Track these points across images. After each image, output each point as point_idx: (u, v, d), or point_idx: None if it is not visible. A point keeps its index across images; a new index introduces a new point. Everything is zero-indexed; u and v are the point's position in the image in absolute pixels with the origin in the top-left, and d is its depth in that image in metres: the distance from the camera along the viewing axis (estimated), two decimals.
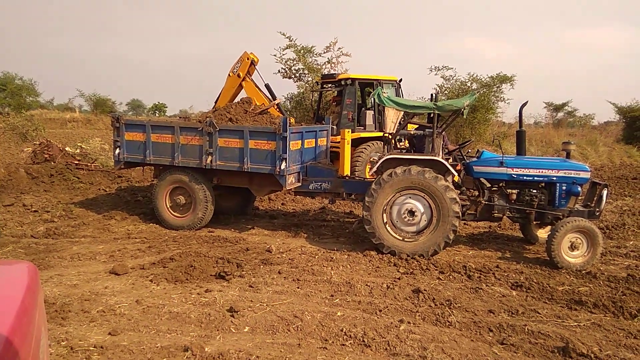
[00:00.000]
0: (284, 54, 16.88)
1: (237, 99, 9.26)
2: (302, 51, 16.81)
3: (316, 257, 6.39)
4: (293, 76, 17.19)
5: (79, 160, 12.65)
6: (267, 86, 10.24)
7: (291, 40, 16.70)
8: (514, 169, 6.63)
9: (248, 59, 9.62)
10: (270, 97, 10.14)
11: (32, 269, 2.07)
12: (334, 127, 10.33)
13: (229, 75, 9.66)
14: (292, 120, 10.15)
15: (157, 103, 42.03)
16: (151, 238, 7.24)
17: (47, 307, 4.40)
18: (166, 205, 7.95)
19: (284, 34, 16.80)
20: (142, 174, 11.71)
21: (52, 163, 11.97)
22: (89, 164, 12.58)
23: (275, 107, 9.71)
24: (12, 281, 1.92)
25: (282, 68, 17.04)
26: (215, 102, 9.84)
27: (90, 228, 7.75)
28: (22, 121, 19.20)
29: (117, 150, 8.16)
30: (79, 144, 14.52)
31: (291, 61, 16.99)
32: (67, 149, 13.36)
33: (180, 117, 11.12)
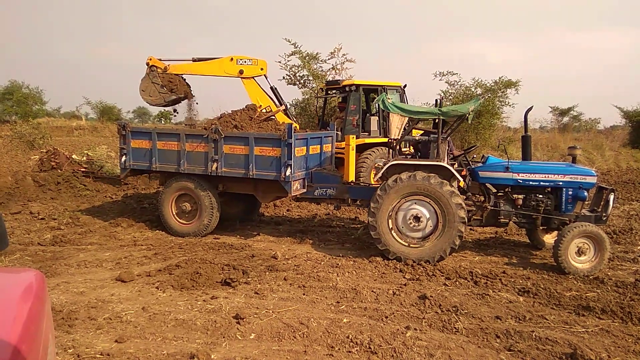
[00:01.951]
0: (288, 61, 16.98)
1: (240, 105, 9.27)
2: (307, 57, 16.88)
3: (322, 263, 6.38)
4: (298, 82, 17.26)
5: (85, 168, 12.74)
6: (273, 90, 10.20)
7: (296, 47, 16.79)
8: (520, 174, 6.60)
9: (262, 69, 9.62)
10: (277, 101, 10.13)
11: (39, 277, 2.08)
12: (339, 133, 10.35)
13: (230, 58, 9.62)
14: (297, 126, 10.15)
15: (162, 111, 42.26)
16: (157, 245, 7.26)
17: (54, 314, 4.42)
18: (172, 212, 7.97)
19: (289, 41, 16.90)
20: (148, 181, 11.78)
21: (59, 171, 12.06)
22: (95, 172, 12.67)
23: (283, 113, 9.72)
24: (20, 289, 1.93)
25: (287, 74, 17.13)
26: (195, 60, 9.79)
27: (96, 235, 7.78)
28: (29, 129, 19.35)
29: (124, 158, 8.21)
30: (85, 152, 14.61)
31: (296, 67, 17.09)
32: (73, 156, 13.46)
33: (186, 125, 11.18)
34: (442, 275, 5.94)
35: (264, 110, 9.22)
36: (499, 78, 18.36)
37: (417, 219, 6.45)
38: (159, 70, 9.68)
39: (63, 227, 8.21)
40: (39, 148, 17.40)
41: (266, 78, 10.10)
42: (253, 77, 9.79)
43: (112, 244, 7.36)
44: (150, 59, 9.74)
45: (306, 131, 9.70)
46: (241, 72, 9.67)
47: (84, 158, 13.70)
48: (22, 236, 7.60)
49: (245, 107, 8.69)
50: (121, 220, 8.50)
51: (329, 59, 17.06)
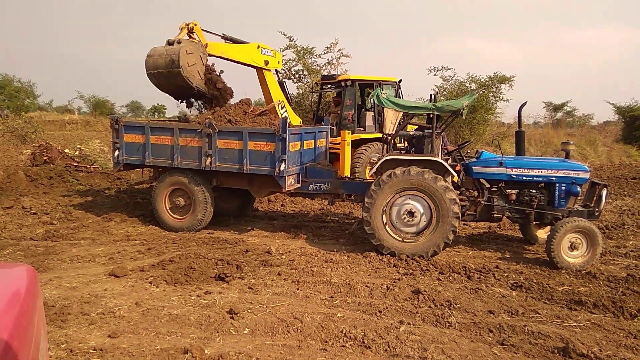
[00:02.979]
0: (283, 55, 16.90)
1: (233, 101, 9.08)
2: (302, 52, 16.83)
3: (316, 258, 6.39)
4: (293, 77, 17.21)
5: (78, 162, 12.66)
6: (281, 84, 10.10)
7: (291, 41, 16.73)
8: (514, 170, 6.63)
9: (279, 62, 9.32)
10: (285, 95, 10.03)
11: (31, 272, 2.06)
12: (334, 128, 10.34)
13: (257, 46, 9.05)
14: (300, 121, 10.06)
15: (156, 105, 41.88)
16: (150, 240, 7.23)
17: (46, 309, 4.39)
18: (165, 207, 7.94)
19: (284, 34, 16.85)
20: (141, 175, 11.73)
21: (51, 165, 11.99)
22: (88, 166, 12.59)
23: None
24: (12, 284, 1.91)
25: (281, 68, 17.06)
26: (226, 38, 8.79)
27: (89, 230, 7.74)
28: (21, 123, 19.19)
29: (117, 152, 8.16)
30: (78, 146, 14.52)
31: (291, 62, 17.03)
32: (66, 151, 13.37)
33: (179, 119, 11.05)
34: (436, 270, 5.97)
35: (280, 106, 9.06)
36: (494, 73, 18.44)
37: (411, 214, 6.46)
38: (196, 41, 8.13)
39: (55, 222, 8.16)
40: (31, 142, 17.26)
41: (277, 72, 9.96)
42: (271, 70, 9.46)
43: (105, 239, 7.33)
44: (195, 25, 7.91)
45: (301, 126, 9.69)
46: (266, 62, 9.15)
47: (77, 152, 13.61)
48: (14, 231, 7.55)
49: (240, 101, 8.65)
50: (114, 215, 8.46)
51: (324, 54, 17.04)
